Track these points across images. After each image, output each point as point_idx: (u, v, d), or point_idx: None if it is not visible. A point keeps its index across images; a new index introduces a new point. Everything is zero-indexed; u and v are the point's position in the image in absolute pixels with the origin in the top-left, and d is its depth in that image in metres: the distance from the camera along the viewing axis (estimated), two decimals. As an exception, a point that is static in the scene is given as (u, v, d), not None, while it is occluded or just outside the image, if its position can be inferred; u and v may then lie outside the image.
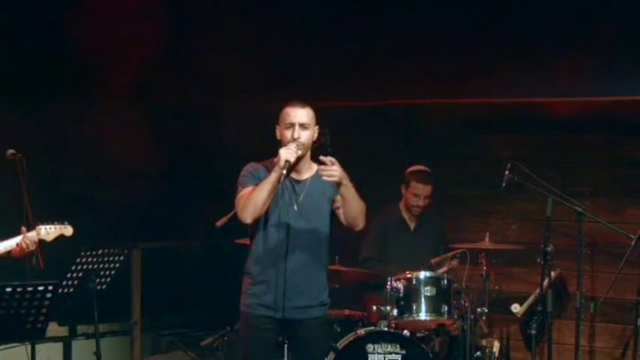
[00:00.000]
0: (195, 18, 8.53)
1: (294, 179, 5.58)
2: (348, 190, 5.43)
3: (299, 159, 5.50)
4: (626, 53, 7.34)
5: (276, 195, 5.47)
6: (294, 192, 5.57)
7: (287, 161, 5.39)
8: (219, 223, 5.82)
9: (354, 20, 8.23)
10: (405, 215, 7.66)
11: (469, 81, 7.97)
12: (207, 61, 8.46)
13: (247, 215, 5.45)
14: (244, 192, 5.51)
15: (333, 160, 5.34)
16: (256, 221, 5.53)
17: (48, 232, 6.24)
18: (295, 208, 5.55)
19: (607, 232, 7.51)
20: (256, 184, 5.48)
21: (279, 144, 5.55)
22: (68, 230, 6.36)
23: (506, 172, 7.15)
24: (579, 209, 7.16)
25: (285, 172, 5.38)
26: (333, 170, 5.32)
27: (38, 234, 6.19)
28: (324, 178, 5.35)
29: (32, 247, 6.14)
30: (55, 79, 8.09)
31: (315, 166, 5.62)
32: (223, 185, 6.15)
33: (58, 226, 6.30)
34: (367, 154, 8.36)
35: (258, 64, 8.39)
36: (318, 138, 5.66)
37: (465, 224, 8.25)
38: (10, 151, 6.28)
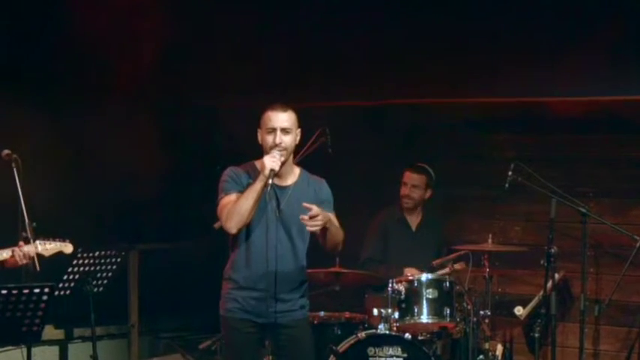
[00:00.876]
0: (196, 17, 8.54)
1: (276, 185, 5.59)
2: (331, 228, 5.52)
3: (282, 164, 5.51)
4: (631, 51, 7.33)
5: (260, 201, 5.50)
6: (277, 198, 5.59)
7: (272, 170, 5.42)
8: (216, 225, 5.83)
9: (354, 19, 8.23)
10: (406, 215, 7.66)
11: (471, 80, 7.96)
12: (206, 61, 8.47)
13: (232, 225, 5.49)
14: (227, 200, 5.54)
15: (315, 211, 5.36)
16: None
17: (46, 247, 6.21)
18: (277, 214, 5.58)
19: (612, 233, 7.52)
20: (239, 191, 5.52)
21: (261, 148, 5.57)
22: (68, 248, 6.31)
23: (510, 173, 7.15)
24: (583, 210, 7.15)
25: (270, 180, 5.41)
26: (317, 221, 5.38)
27: (36, 248, 6.16)
28: (309, 229, 5.43)
29: (26, 261, 6.10)
30: (50, 76, 8.08)
31: (297, 170, 5.69)
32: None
33: (58, 243, 6.27)
34: (368, 155, 8.35)
35: (257, 64, 8.39)
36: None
37: (468, 226, 8.25)
38: (6, 151, 6.26)
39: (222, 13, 8.36)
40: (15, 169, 6.19)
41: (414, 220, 7.68)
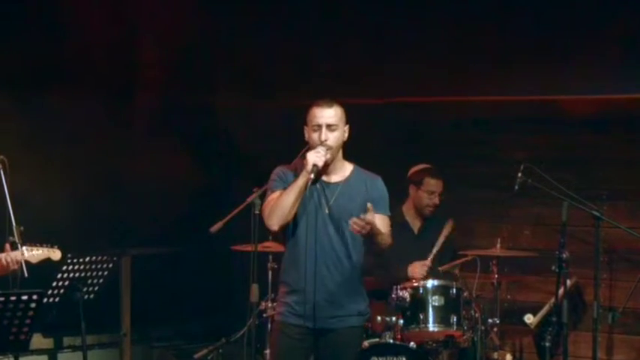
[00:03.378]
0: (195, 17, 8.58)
1: (325, 182, 5.61)
2: (378, 235, 5.53)
3: (329, 161, 5.54)
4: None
5: (304, 199, 5.52)
6: (325, 195, 5.60)
7: (315, 165, 5.44)
8: (214, 229, 5.83)
9: (359, 17, 8.24)
10: (409, 218, 7.65)
11: (479, 77, 7.97)
12: (207, 59, 8.50)
13: (274, 222, 5.52)
14: (271, 198, 5.57)
15: (368, 217, 5.37)
16: (286, 227, 5.58)
17: (34, 254, 6.21)
18: (326, 211, 5.59)
19: (626, 237, 7.51)
20: (284, 189, 5.53)
21: (308, 146, 5.59)
22: (56, 254, 6.32)
23: (519, 175, 7.14)
24: (597, 214, 7.14)
25: (312, 176, 5.42)
26: (359, 226, 5.39)
27: (22, 255, 6.16)
28: (352, 229, 5.43)
29: (14, 267, 6.10)
30: (41, 76, 8.10)
31: (349, 166, 5.69)
32: (219, 188, 6.17)
33: (45, 249, 6.27)
34: (370, 154, 8.33)
35: (262, 62, 8.42)
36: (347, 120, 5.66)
37: (475, 230, 8.25)
38: (-7, 152, 6.27)
39: (222, 11, 8.41)
40: (2, 171, 6.19)
41: (416, 223, 7.67)
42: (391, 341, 6.91)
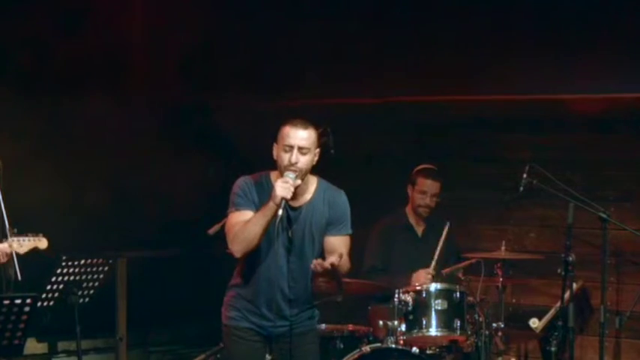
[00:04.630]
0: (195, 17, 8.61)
1: (290, 206, 5.54)
2: (336, 272, 5.53)
3: (296, 186, 5.47)
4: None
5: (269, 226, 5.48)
6: (289, 219, 5.57)
7: (283, 198, 5.38)
8: (211, 231, 5.84)
9: (362, 14, 8.25)
10: (412, 220, 7.66)
11: (483, 76, 7.97)
12: (208, 59, 8.52)
13: (237, 249, 5.50)
14: (235, 220, 5.52)
15: (332, 263, 5.38)
16: None
17: (21, 244, 6.22)
18: (289, 234, 5.56)
19: (634, 239, 7.52)
20: (248, 208, 5.50)
21: (275, 163, 5.53)
22: (43, 243, 6.33)
23: (524, 175, 7.14)
24: (603, 215, 7.14)
25: (280, 211, 5.37)
26: (325, 269, 5.42)
27: (10, 246, 6.17)
28: (314, 267, 5.45)
29: (3, 260, 6.12)
30: (36, 74, 8.12)
31: (312, 183, 5.63)
32: (217, 190, 6.17)
33: (32, 239, 6.28)
34: (372, 155, 8.36)
35: (262, 62, 8.44)
36: (319, 144, 5.63)
37: (479, 232, 8.26)
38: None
39: (221, 11, 8.43)
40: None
41: (419, 225, 7.67)
42: (393, 346, 6.89)
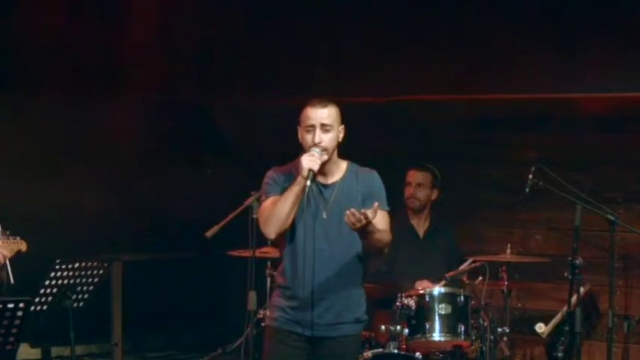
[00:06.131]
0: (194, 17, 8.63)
1: (321, 184, 5.60)
2: (373, 232, 5.43)
3: (325, 162, 5.52)
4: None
5: (301, 204, 5.49)
6: (323, 198, 5.59)
7: (310, 170, 5.42)
8: (209, 234, 5.83)
9: (361, 13, 8.26)
10: (414, 221, 7.67)
11: (489, 75, 7.98)
12: (207, 58, 8.54)
13: (271, 231, 5.51)
14: (266, 204, 5.57)
15: (365, 213, 5.29)
16: (283, 234, 5.57)
17: (7, 244, 6.21)
18: (324, 216, 5.58)
19: (643, 243, 7.54)
20: (279, 194, 5.53)
21: (301, 147, 5.57)
22: (23, 245, 6.34)
23: (530, 177, 7.14)
24: (611, 217, 7.14)
25: (309, 182, 5.41)
26: (359, 220, 5.30)
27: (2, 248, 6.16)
28: (347, 219, 5.35)
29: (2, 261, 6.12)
30: (34, 77, 8.14)
31: (344, 165, 5.67)
32: (216, 190, 6.17)
33: (16, 241, 6.28)
34: (373, 155, 8.34)
35: (262, 61, 8.45)
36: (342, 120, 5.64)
37: (484, 234, 8.26)
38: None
39: (221, 11, 8.45)
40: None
41: (421, 227, 7.68)
42: (396, 351, 6.90)
